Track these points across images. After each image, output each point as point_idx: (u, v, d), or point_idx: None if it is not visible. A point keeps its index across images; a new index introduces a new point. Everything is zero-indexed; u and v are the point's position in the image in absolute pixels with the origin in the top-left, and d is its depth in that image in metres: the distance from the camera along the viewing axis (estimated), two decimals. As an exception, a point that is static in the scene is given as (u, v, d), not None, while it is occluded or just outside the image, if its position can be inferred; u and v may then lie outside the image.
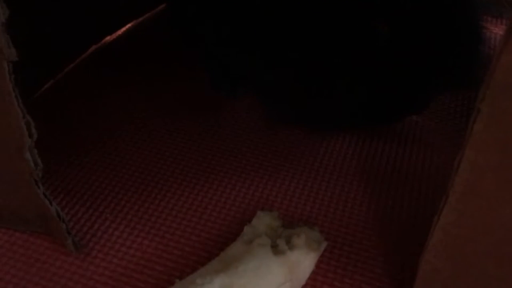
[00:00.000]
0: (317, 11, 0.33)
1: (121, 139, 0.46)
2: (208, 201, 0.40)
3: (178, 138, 0.46)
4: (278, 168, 0.43)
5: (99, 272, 0.35)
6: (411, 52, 0.34)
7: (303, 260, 0.32)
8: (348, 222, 0.38)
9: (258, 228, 0.34)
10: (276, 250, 0.32)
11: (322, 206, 0.39)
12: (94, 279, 0.34)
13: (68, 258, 0.36)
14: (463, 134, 0.23)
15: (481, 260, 0.27)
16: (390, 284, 0.34)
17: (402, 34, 0.34)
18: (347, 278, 0.34)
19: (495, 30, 0.57)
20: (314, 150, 0.44)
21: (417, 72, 0.36)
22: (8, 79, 0.27)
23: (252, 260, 0.31)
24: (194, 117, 0.48)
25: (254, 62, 0.38)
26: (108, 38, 0.58)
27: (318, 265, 0.34)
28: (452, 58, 0.36)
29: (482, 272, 0.27)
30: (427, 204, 0.39)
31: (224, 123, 0.47)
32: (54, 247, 0.36)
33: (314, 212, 0.39)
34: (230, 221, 0.38)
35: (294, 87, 0.37)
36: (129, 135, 0.46)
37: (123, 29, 0.60)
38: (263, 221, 0.34)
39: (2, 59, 0.27)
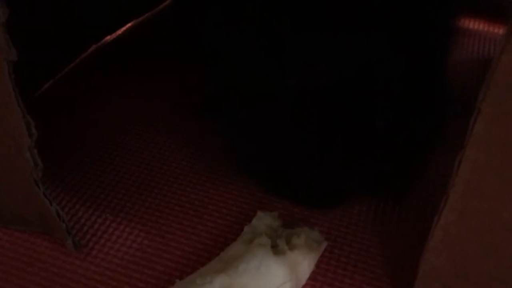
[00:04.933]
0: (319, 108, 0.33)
1: (121, 139, 0.46)
2: (208, 201, 0.40)
3: (178, 138, 0.46)
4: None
5: (99, 272, 0.35)
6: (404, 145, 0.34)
7: (303, 260, 0.32)
8: (348, 222, 0.38)
9: (258, 228, 0.34)
10: (276, 250, 0.32)
11: (322, 206, 0.39)
12: (94, 279, 0.34)
13: (69, 258, 0.36)
14: (463, 134, 0.23)
15: (481, 260, 0.27)
16: (390, 284, 0.34)
17: (397, 128, 0.33)
18: (347, 278, 0.34)
19: (495, 30, 0.57)
20: (314, 150, 0.44)
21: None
22: (8, 79, 0.27)
23: (252, 260, 0.31)
24: (195, 116, 0.48)
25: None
26: (108, 38, 0.58)
27: (318, 265, 0.34)
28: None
29: (482, 272, 0.27)
30: (427, 204, 0.39)
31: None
32: (54, 247, 0.36)
33: (314, 212, 0.39)
34: (231, 221, 0.38)
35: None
36: (129, 135, 0.46)
37: (123, 29, 0.60)
38: (263, 221, 0.35)
39: (2, 59, 0.27)
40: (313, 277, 0.34)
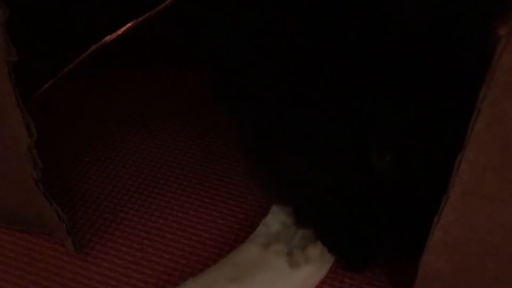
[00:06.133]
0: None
1: (121, 139, 0.46)
2: (209, 201, 0.40)
3: (178, 138, 0.46)
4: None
5: (100, 272, 0.35)
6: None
7: (317, 273, 0.33)
8: (348, 222, 0.38)
9: (273, 227, 0.34)
10: (292, 260, 0.32)
11: (322, 206, 0.39)
12: (94, 279, 0.34)
13: (69, 258, 0.36)
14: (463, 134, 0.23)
15: (481, 260, 0.27)
16: (390, 284, 0.34)
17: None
18: (347, 278, 0.34)
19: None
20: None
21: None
22: (8, 79, 0.27)
23: (268, 271, 0.31)
24: (194, 116, 0.48)
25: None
26: (108, 38, 0.58)
27: (318, 265, 0.34)
28: None
29: (482, 272, 0.27)
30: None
31: (223, 122, 0.47)
32: (54, 247, 0.36)
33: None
34: (232, 221, 0.38)
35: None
36: (129, 135, 0.46)
37: (123, 29, 0.60)
38: (278, 218, 0.34)
39: (2, 59, 0.27)
40: (313, 277, 0.34)
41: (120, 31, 0.60)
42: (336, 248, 0.33)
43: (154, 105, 0.49)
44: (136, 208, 0.39)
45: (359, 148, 0.30)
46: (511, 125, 0.21)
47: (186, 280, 0.32)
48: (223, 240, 0.37)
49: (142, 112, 0.49)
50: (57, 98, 0.50)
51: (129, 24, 0.61)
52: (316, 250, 0.32)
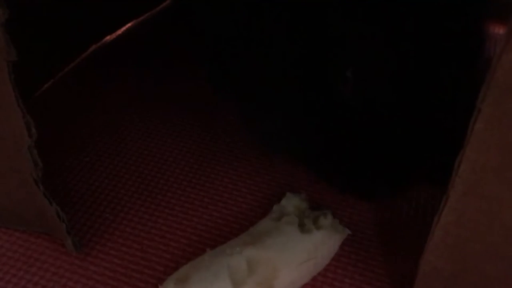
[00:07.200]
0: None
1: (121, 139, 0.46)
2: (209, 200, 0.40)
3: (178, 138, 0.46)
4: (277, 169, 0.43)
5: (99, 272, 0.35)
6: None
7: (328, 240, 0.33)
8: (348, 222, 0.38)
9: (286, 208, 0.35)
10: (303, 228, 0.33)
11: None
12: (94, 279, 0.34)
13: (68, 258, 0.36)
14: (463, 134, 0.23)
15: (481, 260, 0.27)
16: (390, 284, 0.34)
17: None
18: (347, 278, 0.34)
19: (495, 30, 0.57)
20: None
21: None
22: (8, 79, 0.27)
23: (279, 235, 0.32)
24: (194, 116, 0.48)
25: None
26: (108, 37, 0.58)
27: (318, 265, 0.34)
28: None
29: (482, 272, 0.27)
30: (427, 204, 0.39)
31: (223, 122, 0.47)
32: (54, 247, 0.36)
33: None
34: (232, 221, 0.38)
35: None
36: (129, 135, 0.46)
37: (123, 29, 0.60)
38: (291, 201, 0.35)
39: (2, 59, 0.27)
40: (313, 277, 0.34)
41: (120, 31, 0.60)
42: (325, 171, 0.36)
43: (154, 104, 0.49)
44: (136, 208, 0.39)
45: (323, 75, 0.31)
46: (511, 125, 0.21)
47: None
48: (223, 240, 0.36)
49: (142, 112, 0.49)
50: (57, 98, 0.50)
51: (129, 24, 0.61)
52: (327, 220, 0.33)
